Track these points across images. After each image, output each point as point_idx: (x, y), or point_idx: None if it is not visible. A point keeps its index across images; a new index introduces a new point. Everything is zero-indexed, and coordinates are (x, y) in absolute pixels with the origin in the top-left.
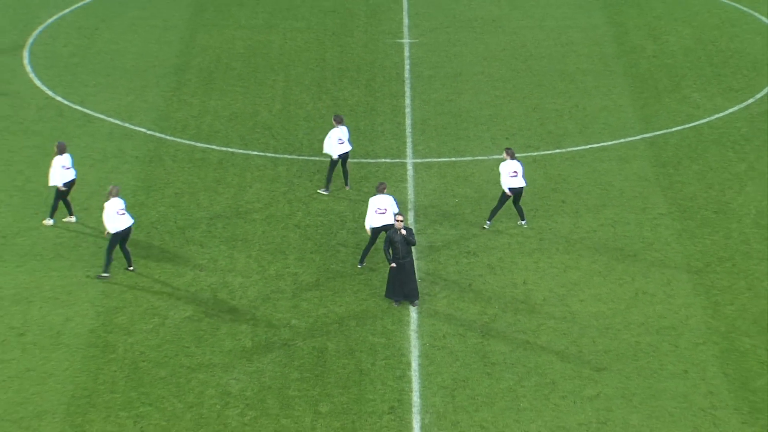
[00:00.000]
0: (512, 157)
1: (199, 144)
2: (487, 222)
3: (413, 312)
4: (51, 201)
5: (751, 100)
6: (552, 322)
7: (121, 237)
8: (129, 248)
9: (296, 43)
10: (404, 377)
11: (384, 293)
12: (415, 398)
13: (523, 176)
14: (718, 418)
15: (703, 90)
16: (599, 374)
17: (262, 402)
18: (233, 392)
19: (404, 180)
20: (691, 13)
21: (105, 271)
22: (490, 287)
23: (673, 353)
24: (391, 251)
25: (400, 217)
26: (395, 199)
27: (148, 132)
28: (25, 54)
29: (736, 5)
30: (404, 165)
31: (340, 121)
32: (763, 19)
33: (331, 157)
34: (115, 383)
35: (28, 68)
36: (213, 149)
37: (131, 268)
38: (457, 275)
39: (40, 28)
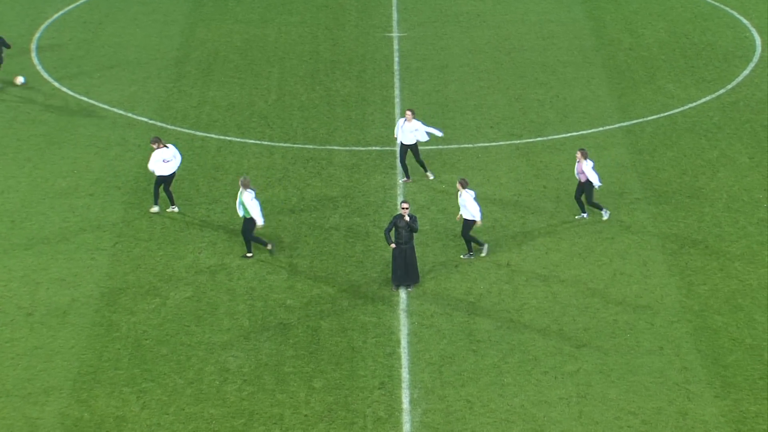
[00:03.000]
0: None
1: (198, 133)
2: (603, 210)
3: (402, 292)
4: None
5: (722, 91)
6: (534, 302)
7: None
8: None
9: (291, 36)
10: (394, 354)
11: (391, 281)
12: (405, 374)
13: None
14: (692, 392)
15: (677, 81)
16: (579, 351)
17: (259, 378)
18: (231, 369)
19: (394, 167)
20: (665, 7)
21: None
22: (475, 269)
23: (649, 331)
24: (393, 235)
25: (405, 205)
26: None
27: (150, 121)
28: (33, 47)
29: (708, 0)
30: (394, 153)
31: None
32: (734, 13)
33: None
34: (119, 360)
35: (36, 61)
36: (212, 138)
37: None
38: (444, 257)
39: (47, 22)
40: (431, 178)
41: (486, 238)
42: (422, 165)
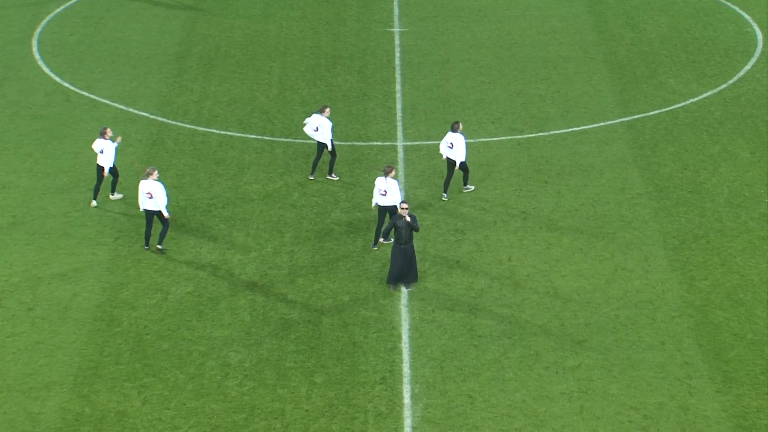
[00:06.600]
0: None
1: (199, 128)
2: (444, 194)
3: (404, 288)
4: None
5: (723, 86)
6: (535, 297)
7: (149, 216)
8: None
9: (292, 31)
10: (395, 349)
11: (386, 279)
12: (406, 369)
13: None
14: (693, 387)
15: (679, 76)
16: (580, 346)
17: (260, 373)
18: (232, 364)
19: (395, 162)
20: (666, 2)
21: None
22: (476, 264)
23: (650, 326)
24: (392, 234)
25: (405, 205)
26: (399, 184)
27: (151, 116)
28: (34, 42)
29: None
30: (395, 148)
31: (319, 111)
32: (735, 8)
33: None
34: (120, 355)
35: (37, 56)
36: (213, 133)
37: (159, 246)
38: (445, 252)
39: (48, 17)
40: (311, 179)
41: (487, 233)
42: (316, 166)
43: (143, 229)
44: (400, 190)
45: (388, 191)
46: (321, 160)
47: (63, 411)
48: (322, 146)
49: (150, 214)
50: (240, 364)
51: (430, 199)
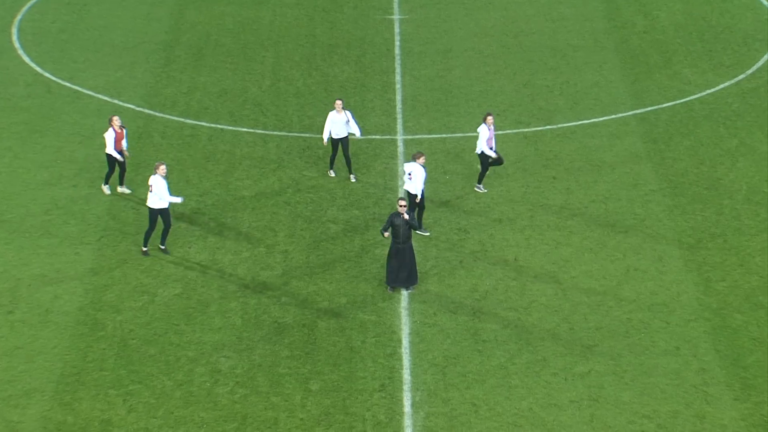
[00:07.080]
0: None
1: (188, 120)
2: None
3: (404, 290)
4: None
5: (742, 76)
6: (543, 299)
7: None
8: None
9: (286, 18)
10: (395, 355)
11: (385, 280)
12: (406, 376)
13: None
14: (710, 394)
15: (694, 66)
16: (591, 351)
17: (252, 380)
18: (223, 370)
19: (395, 156)
20: None
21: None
22: (481, 264)
23: (664, 330)
24: (390, 232)
25: (402, 202)
26: (425, 169)
27: (137, 108)
28: (14, 30)
29: None
30: (395, 141)
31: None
32: None
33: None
34: (104, 361)
35: (17, 44)
36: (202, 126)
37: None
38: (447, 252)
39: (29, 4)
40: (353, 180)
41: (492, 231)
42: (349, 163)
43: (128, 228)
44: (424, 182)
45: (413, 175)
46: (340, 155)
47: (44, 420)
48: (345, 141)
49: (152, 213)
50: (231, 371)
51: (432, 195)
